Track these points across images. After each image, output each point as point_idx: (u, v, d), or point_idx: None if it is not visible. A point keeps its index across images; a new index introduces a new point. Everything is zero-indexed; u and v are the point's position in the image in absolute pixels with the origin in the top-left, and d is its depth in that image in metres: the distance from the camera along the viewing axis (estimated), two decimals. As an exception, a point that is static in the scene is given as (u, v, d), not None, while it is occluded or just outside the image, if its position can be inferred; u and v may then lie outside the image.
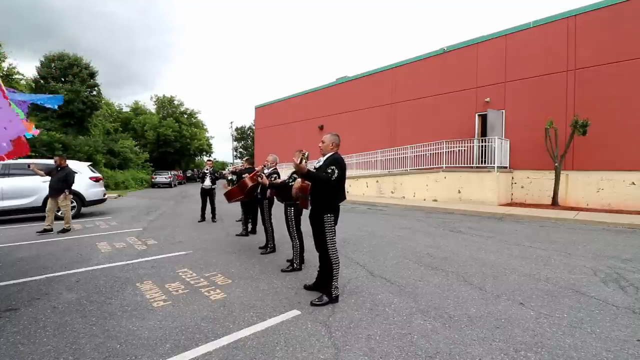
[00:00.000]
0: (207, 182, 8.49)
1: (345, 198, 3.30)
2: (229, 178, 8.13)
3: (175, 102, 41.71)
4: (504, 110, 12.32)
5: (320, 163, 3.26)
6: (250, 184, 4.86)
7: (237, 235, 6.76)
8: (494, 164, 11.06)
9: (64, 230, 6.97)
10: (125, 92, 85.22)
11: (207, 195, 8.54)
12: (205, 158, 43.16)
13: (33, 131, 5.08)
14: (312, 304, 3.18)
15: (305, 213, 3.68)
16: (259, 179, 4.64)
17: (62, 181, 6.86)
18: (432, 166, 13.14)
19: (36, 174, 6.97)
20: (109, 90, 72.20)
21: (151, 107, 41.77)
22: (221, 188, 9.11)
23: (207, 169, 8.66)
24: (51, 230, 6.89)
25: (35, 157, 16.28)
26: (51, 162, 9.28)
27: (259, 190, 5.13)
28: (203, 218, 8.50)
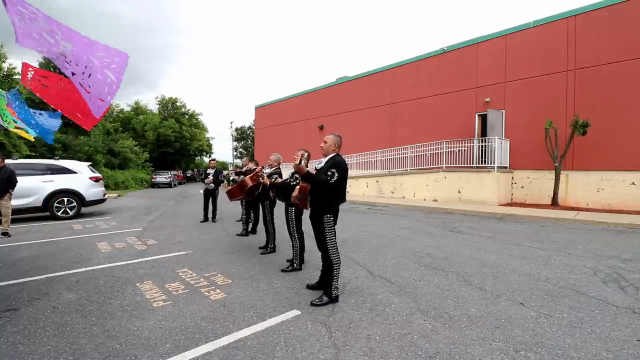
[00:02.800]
0: (211, 183, 8.44)
1: (345, 200, 3.30)
2: (231, 179, 8.12)
3: (178, 104, 41.76)
4: (504, 110, 12.33)
5: (322, 164, 3.25)
6: (250, 183, 4.86)
7: (237, 235, 6.76)
8: (494, 164, 11.07)
9: (6, 234, 6.64)
10: (130, 92, 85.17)
11: (210, 195, 8.52)
12: (207, 159, 43.13)
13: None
14: (312, 304, 3.18)
15: (306, 213, 3.68)
16: (260, 179, 4.62)
17: (5, 182, 6.59)
18: (432, 166, 13.14)
19: None
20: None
21: (154, 107, 41.86)
22: (222, 187, 9.08)
23: (209, 170, 8.60)
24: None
25: (35, 157, 16.31)
26: (51, 162, 9.32)
27: (259, 190, 5.12)
28: (206, 218, 8.49)
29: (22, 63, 3.15)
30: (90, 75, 2.41)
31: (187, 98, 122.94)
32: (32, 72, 3.24)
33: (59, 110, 3.39)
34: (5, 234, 6.67)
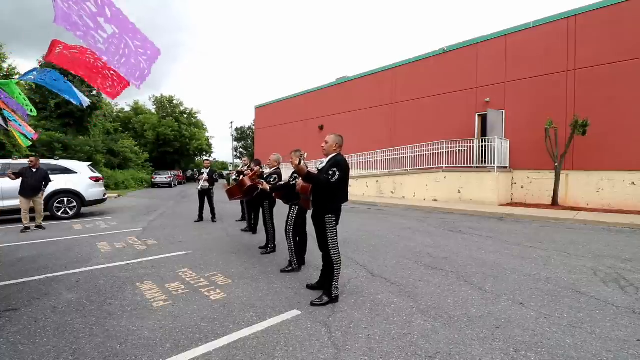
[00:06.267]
0: (205, 183, 8.45)
1: (347, 199, 3.30)
2: (233, 178, 8.14)
3: (175, 102, 41.71)
4: (504, 110, 12.33)
5: (323, 164, 3.25)
6: (248, 183, 4.86)
7: (242, 230, 6.95)
8: (494, 164, 11.06)
9: (41, 227, 7.47)
10: (132, 92, 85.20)
11: (205, 195, 8.51)
12: (204, 158, 43.17)
13: (32, 134, 5.26)
14: (312, 304, 3.18)
15: (308, 213, 3.68)
16: (259, 185, 4.57)
17: (41, 181, 7.39)
18: (432, 166, 13.14)
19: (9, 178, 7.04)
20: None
21: (150, 107, 41.82)
22: (221, 187, 9.09)
23: (204, 170, 8.60)
24: (30, 228, 7.26)
25: (35, 157, 16.30)
26: (51, 162, 9.32)
27: (259, 190, 5.12)
28: (201, 218, 8.48)
29: (52, 40, 3.13)
30: (124, 60, 2.44)
31: (188, 97, 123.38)
32: (60, 48, 3.20)
33: (85, 80, 3.43)
34: (39, 226, 7.46)
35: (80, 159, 16.25)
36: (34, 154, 16.83)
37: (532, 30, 11.79)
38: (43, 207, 7.64)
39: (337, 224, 3.25)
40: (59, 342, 2.54)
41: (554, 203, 10.41)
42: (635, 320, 2.88)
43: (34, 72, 3.89)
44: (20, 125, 5.14)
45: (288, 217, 4.28)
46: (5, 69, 19.51)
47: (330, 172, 3.06)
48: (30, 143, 6.12)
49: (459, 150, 12.71)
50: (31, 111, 4.67)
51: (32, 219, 7.50)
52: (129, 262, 4.73)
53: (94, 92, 25.32)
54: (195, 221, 8.38)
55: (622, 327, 2.76)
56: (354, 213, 9.80)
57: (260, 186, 4.56)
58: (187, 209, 11.29)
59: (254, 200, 5.85)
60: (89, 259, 4.88)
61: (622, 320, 2.87)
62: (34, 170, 7.29)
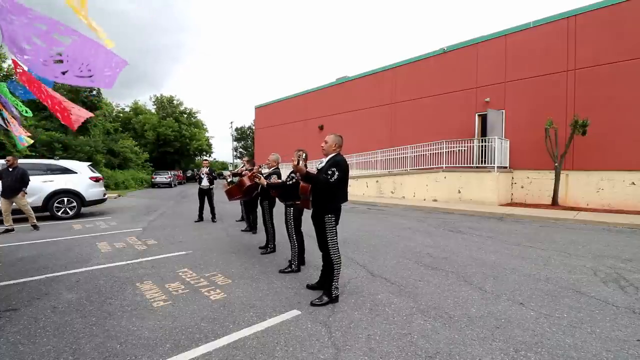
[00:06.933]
0: (205, 182, 8.46)
1: (346, 199, 3.30)
2: (229, 180, 8.15)
3: (175, 102, 41.70)
4: (504, 110, 12.32)
5: (323, 164, 3.25)
6: (247, 183, 4.87)
7: (242, 230, 7.01)
8: (494, 164, 11.06)
9: (36, 227, 7.37)
10: (133, 92, 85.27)
11: (205, 195, 8.52)
12: (203, 158, 43.23)
13: (22, 142, 5.27)
14: (312, 304, 3.19)
15: (307, 213, 3.68)
16: (256, 179, 4.61)
17: (18, 181, 7.04)
18: (432, 166, 13.14)
19: None
20: (120, 90, 71.56)
21: (150, 107, 41.82)
22: (221, 188, 9.10)
23: (203, 169, 8.62)
24: (13, 229, 7.10)
25: (35, 156, 16.31)
26: (51, 162, 9.33)
27: (258, 190, 5.12)
28: (201, 218, 8.49)
29: (12, 60, 3.28)
30: (89, 64, 2.40)
31: (186, 97, 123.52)
32: (20, 70, 3.38)
33: (44, 103, 3.56)
34: (35, 226, 7.36)
35: (80, 159, 16.26)
36: (33, 153, 16.87)
37: (532, 30, 11.79)
38: (28, 206, 7.36)
39: (336, 224, 3.25)
40: (59, 342, 2.54)
41: (554, 203, 10.41)
42: (635, 320, 2.88)
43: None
44: (16, 129, 5.14)
45: (287, 219, 4.28)
46: (5, 69, 19.49)
47: (330, 172, 3.05)
48: (23, 147, 6.10)
49: (459, 150, 12.71)
50: (26, 112, 4.66)
51: (26, 220, 7.50)
52: (129, 262, 4.73)
53: (94, 93, 25.35)
54: (195, 221, 8.39)
55: (622, 327, 2.76)
56: (354, 213, 9.80)
57: (257, 180, 4.57)
58: (187, 209, 11.29)
59: (252, 200, 5.85)
60: (89, 259, 4.88)
61: (622, 320, 2.87)
62: (11, 169, 7.02)
